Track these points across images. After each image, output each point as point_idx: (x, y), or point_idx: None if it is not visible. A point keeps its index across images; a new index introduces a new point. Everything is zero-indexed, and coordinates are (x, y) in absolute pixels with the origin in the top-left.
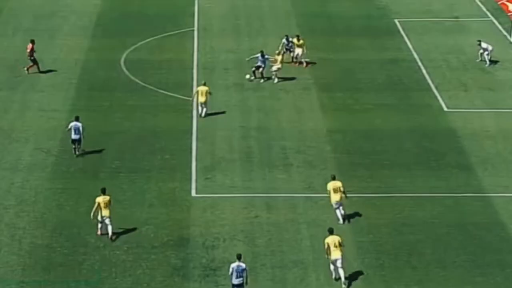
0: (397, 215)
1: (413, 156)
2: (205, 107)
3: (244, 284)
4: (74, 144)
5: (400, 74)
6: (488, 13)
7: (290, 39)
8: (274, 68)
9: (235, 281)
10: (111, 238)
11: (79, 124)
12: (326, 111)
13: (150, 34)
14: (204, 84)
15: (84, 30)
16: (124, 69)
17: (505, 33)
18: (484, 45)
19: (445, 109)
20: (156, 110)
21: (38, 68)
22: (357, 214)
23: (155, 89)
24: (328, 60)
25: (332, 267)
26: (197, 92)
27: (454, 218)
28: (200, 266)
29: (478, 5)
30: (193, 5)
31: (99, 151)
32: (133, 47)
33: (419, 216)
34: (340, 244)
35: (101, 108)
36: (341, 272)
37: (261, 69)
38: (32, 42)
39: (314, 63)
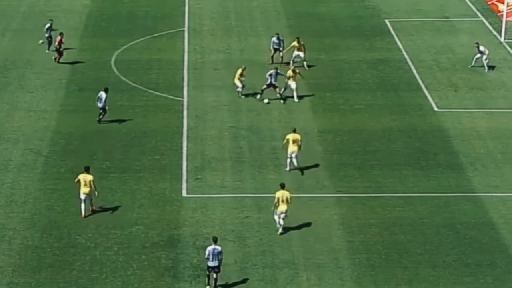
0: (388, 215)
1: (403, 156)
2: (238, 86)
3: (221, 266)
4: (99, 112)
5: (391, 74)
6: (478, 13)
7: (282, 38)
8: (293, 86)
9: (211, 263)
10: (91, 211)
11: (103, 95)
12: (316, 112)
13: (141, 35)
14: (244, 69)
15: (74, 31)
16: (115, 69)
17: (495, 33)
18: (482, 48)
19: (436, 109)
20: (146, 110)
21: (58, 59)
22: (347, 214)
23: (146, 89)
24: (318, 61)
25: (277, 219)
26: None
27: (444, 218)
28: (190, 267)
29: (468, 5)
30: (184, 6)
31: (89, 152)
32: (123, 47)
33: (410, 216)
34: (288, 200)
35: (91, 109)
36: (282, 222)
37: (277, 89)
38: (61, 34)
39: (314, 65)
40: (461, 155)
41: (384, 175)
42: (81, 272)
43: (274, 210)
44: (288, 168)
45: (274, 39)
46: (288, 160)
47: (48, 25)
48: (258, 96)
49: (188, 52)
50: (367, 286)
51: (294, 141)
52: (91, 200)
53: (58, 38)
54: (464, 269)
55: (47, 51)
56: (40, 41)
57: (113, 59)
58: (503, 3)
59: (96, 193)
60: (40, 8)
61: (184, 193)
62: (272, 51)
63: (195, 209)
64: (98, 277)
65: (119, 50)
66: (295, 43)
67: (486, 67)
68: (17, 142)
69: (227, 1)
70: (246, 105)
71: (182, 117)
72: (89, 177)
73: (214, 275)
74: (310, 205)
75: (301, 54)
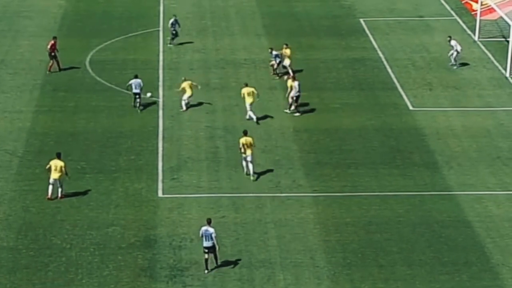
0: (364, 214)
1: (379, 155)
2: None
3: (216, 246)
4: (135, 98)
5: (366, 74)
6: (453, 12)
7: (275, 53)
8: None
9: (205, 243)
10: (60, 197)
11: (139, 80)
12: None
13: (115, 35)
14: (185, 80)
15: (48, 31)
16: (89, 70)
17: (469, 32)
18: (453, 42)
19: (411, 108)
20: (121, 110)
21: (58, 65)
22: (323, 213)
23: (121, 89)
24: (294, 60)
25: (244, 163)
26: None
27: (420, 216)
28: (167, 267)
29: (442, 4)
30: (158, 5)
31: (65, 152)
32: (98, 47)
33: (386, 215)
34: (251, 144)
35: (66, 109)
36: (250, 166)
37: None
38: (54, 38)
39: (301, 70)
40: (437, 154)
41: (360, 174)
42: (57, 273)
43: (242, 157)
44: (247, 117)
45: (274, 52)
46: (250, 113)
47: (172, 20)
48: (297, 114)
49: (163, 52)
50: (343, 285)
51: (248, 94)
52: (60, 185)
53: (51, 42)
54: (440, 267)
55: (169, 44)
56: (169, 39)
57: (88, 59)
58: (477, 2)
59: (67, 178)
60: (14, 9)
61: (160, 193)
62: (276, 64)
63: (171, 209)
64: (74, 278)
65: (94, 50)
66: (283, 51)
67: (454, 62)
68: None
69: (202, 0)
70: (221, 105)
71: (158, 117)
72: (60, 163)
73: (212, 255)
74: (287, 205)
75: (288, 62)
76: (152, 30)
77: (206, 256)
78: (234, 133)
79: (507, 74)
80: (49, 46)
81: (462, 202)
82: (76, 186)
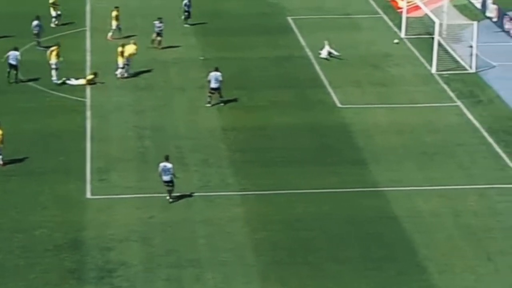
0: (292, 211)
1: (307, 153)
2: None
3: (174, 179)
4: (11, 70)
5: (294, 71)
6: (379, 10)
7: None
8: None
9: (164, 177)
10: (2, 164)
11: (17, 53)
12: (221, 110)
13: (43, 35)
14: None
15: None
16: None
17: (396, 29)
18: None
19: (339, 105)
20: (49, 111)
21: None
22: (252, 211)
23: (48, 90)
24: (222, 59)
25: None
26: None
27: (347, 213)
28: (95, 268)
29: (369, 2)
30: (85, 5)
31: None
32: (24, 48)
33: (314, 212)
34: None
35: None
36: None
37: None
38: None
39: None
40: (364, 151)
41: (288, 172)
42: None
43: None
44: None
45: (156, 23)
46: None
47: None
48: (209, 105)
49: (91, 52)
50: (273, 283)
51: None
52: (0, 153)
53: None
54: (367, 263)
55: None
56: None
57: None
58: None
59: (1, 146)
60: None
61: (88, 195)
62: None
63: (100, 210)
64: (0, 281)
65: (22, 50)
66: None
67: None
68: None
69: (130, 0)
70: (149, 104)
71: (86, 118)
72: None
73: (169, 189)
74: (215, 203)
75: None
76: (79, 30)
77: (168, 188)
78: (163, 132)
79: (433, 71)
80: None
81: (390, 198)
82: (2, 188)
